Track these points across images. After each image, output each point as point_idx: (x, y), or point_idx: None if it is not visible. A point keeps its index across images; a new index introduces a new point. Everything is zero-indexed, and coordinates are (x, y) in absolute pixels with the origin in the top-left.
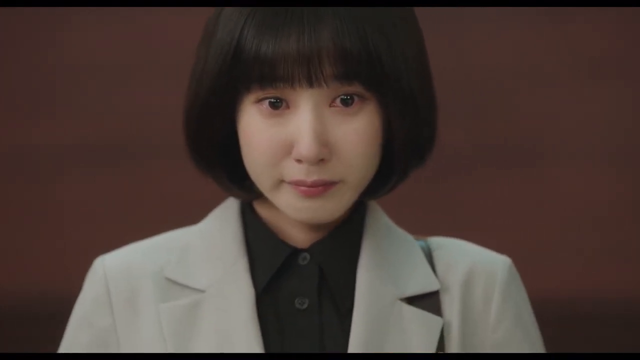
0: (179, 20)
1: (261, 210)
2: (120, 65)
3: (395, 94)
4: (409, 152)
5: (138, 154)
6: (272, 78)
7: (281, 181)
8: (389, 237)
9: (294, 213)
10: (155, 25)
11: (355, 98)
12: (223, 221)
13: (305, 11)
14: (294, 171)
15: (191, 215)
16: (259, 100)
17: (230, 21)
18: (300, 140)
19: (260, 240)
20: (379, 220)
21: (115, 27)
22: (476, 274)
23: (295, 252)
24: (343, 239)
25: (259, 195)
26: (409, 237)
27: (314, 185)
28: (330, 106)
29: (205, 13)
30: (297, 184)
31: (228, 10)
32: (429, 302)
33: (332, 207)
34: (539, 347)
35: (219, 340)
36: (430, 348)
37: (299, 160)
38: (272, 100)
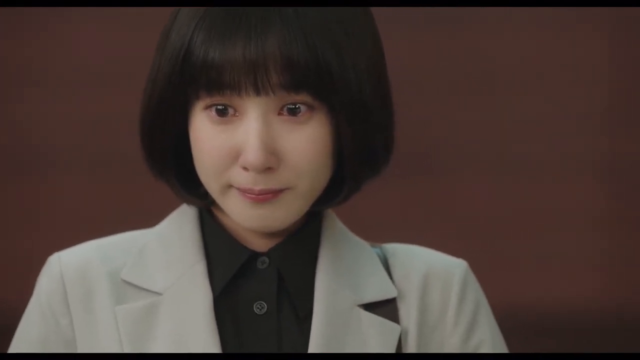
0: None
1: (219, 214)
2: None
3: (344, 104)
4: (360, 163)
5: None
6: (219, 85)
7: (229, 186)
8: (345, 244)
9: (244, 221)
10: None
11: (303, 107)
12: (180, 224)
13: (254, 18)
14: (241, 179)
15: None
16: (208, 107)
17: (183, 25)
18: (247, 148)
19: (218, 244)
20: (335, 227)
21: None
22: (432, 278)
23: (254, 255)
24: (301, 244)
25: (213, 203)
26: (365, 244)
27: (260, 193)
28: (278, 114)
29: (100, 16)
30: (244, 191)
31: (183, 13)
32: (386, 309)
33: (282, 215)
34: (499, 348)
35: (176, 343)
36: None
37: (245, 168)
38: (220, 107)
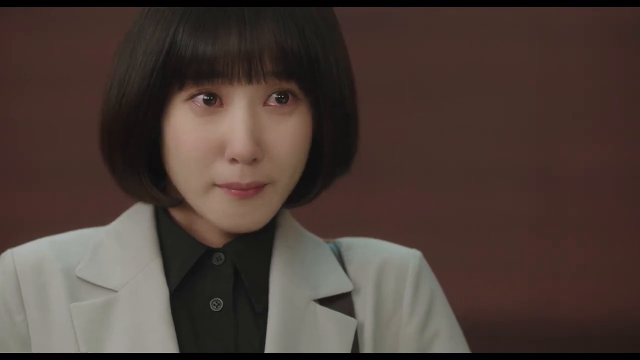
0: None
1: (174, 211)
2: None
3: (327, 96)
4: (337, 157)
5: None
6: (210, 74)
7: (212, 185)
8: (299, 240)
9: (225, 219)
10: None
11: (290, 96)
12: (135, 222)
13: (245, 9)
14: (227, 173)
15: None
16: (192, 97)
17: (161, 20)
18: (234, 138)
19: (174, 241)
20: (288, 223)
21: None
22: (387, 270)
23: (210, 251)
24: (255, 240)
25: (177, 202)
26: (319, 240)
27: (248, 187)
28: (264, 105)
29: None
30: (230, 187)
31: (157, 10)
32: (342, 303)
33: (263, 212)
34: (456, 337)
35: (133, 340)
36: (345, 349)
37: (233, 160)
38: (206, 97)
